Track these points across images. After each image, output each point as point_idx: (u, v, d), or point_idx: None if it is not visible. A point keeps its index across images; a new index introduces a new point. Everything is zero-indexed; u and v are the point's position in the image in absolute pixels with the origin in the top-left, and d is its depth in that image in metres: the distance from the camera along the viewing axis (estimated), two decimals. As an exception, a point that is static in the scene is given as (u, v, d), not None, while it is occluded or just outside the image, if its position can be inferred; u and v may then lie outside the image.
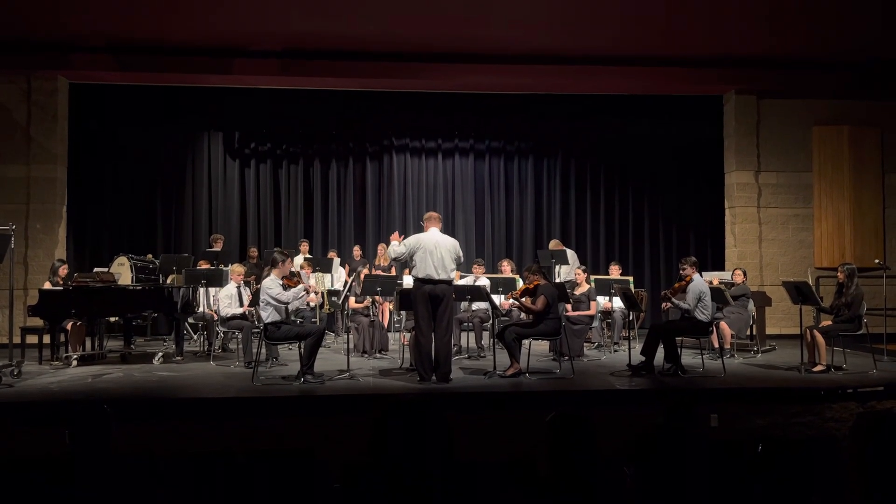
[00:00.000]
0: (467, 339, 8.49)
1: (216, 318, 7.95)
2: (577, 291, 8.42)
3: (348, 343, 7.14)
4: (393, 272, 9.92)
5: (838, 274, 7.18)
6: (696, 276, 7.00)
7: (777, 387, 6.30)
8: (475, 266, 8.89)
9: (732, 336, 7.98)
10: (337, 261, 9.75)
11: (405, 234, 11.47)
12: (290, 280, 6.70)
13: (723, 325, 7.79)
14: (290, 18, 8.50)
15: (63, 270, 8.07)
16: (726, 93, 10.78)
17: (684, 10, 8.36)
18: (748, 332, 8.50)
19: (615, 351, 8.50)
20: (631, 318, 8.42)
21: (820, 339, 6.93)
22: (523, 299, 6.92)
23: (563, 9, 8.31)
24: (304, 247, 10.29)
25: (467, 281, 8.51)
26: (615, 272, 9.24)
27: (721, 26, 8.80)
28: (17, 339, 7.63)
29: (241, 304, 7.82)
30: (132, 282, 8.50)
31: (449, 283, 6.41)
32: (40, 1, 8.00)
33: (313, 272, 9.08)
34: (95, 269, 8.84)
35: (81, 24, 8.71)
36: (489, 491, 2.19)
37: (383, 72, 9.86)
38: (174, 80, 10.13)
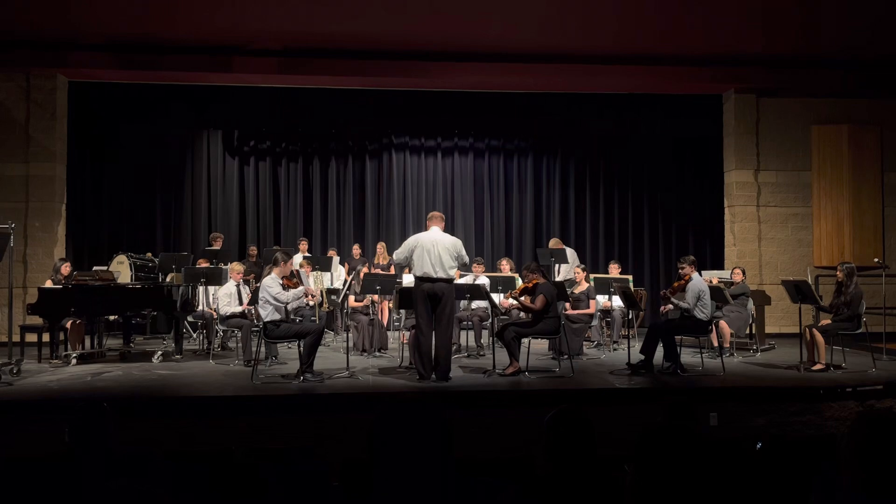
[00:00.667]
0: (467, 338, 8.50)
1: (215, 316, 7.95)
2: (577, 290, 8.42)
3: (348, 341, 7.14)
4: (392, 271, 9.93)
5: (837, 273, 7.19)
6: (694, 275, 6.99)
7: (776, 386, 6.30)
8: (474, 265, 8.88)
9: (732, 335, 7.99)
10: (336, 259, 9.75)
11: (404, 233, 11.57)
12: (290, 281, 6.69)
13: (722, 323, 7.80)
14: (289, 17, 8.50)
15: (65, 269, 8.06)
16: (726, 92, 10.77)
17: (683, 8, 8.36)
18: (747, 331, 8.50)
19: (614, 350, 8.50)
20: (630, 316, 8.42)
21: (819, 337, 6.93)
22: (522, 298, 6.92)
23: (563, 8, 8.31)
24: (304, 245, 10.29)
25: (467, 280, 8.51)
26: (614, 271, 9.24)
27: (720, 25, 8.80)
28: (16, 338, 7.63)
29: (241, 303, 7.82)
30: (131, 280, 8.50)
31: (448, 281, 6.40)
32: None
33: (313, 271, 9.08)
34: (95, 268, 8.84)
35: (81, 21, 8.70)
36: (488, 490, 2.19)
37: (383, 70, 9.86)
38: (173, 78, 10.12)
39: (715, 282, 8.10)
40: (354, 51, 9.58)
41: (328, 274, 9.41)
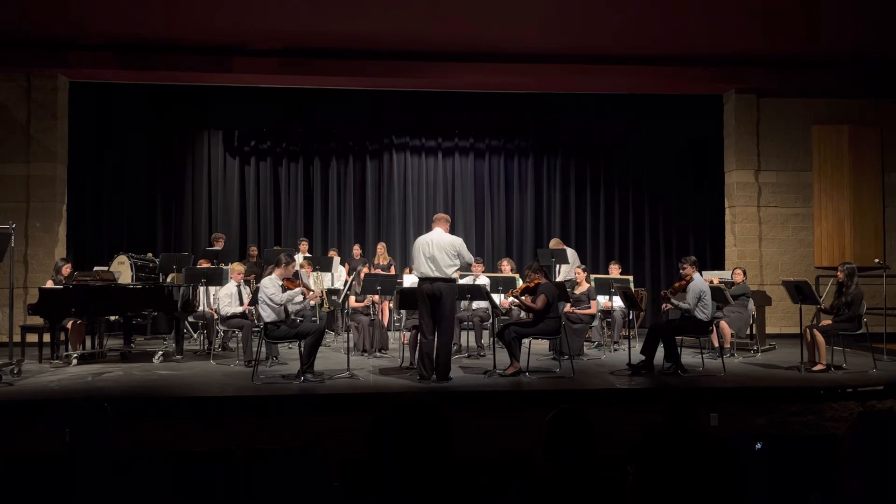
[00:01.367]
0: (467, 338, 8.50)
1: (216, 316, 7.96)
2: (577, 290, 8.42)
3: (348, 342, 7.14)
4: (392, 271, 9.94)
5: (838, 273, 7.18)
6: (695, 275, 6.99)
7: (777, 386, 6.30)
8: (475, 265, 8.88)
9: (732, 335, 7.98)
10: (337, 259, 9.75)
11: (405, 233, 11.59)
12: (292, 282, 6.69)
13: (723, 324, 7.79)
14: (289, 17, 8.49)
15: (66, 269, 8.06)
16: (726, 92, 10.77)
17: (684, 8, 8.35)
18: (748, 332, 8.50)
19: (615, 350, 8.50)
20: (631, 317, 8.42)
21: (820, 338, 6.93)
22: (524, 297, 6.92)
23: (563, 8, 8.30)
24: (304, 246, 10.29)
25: (467, 280, 8.51)
26: (615, 271, 9.24)
27: (721, 25, 8.79)
28: (17, 338, 7.62)
29: (241, 303, 7.82)
30: (132, 280, 8.50)
31: (448, 281, 6.39)
32: (40, -1, 8.00)
33: (313, 271, 9.08)
34: (95, 268, 8.84)
35: (82, 22, 8.71)
36: (488, 490, 2.19)
37: (383, 70, 9.85)
38: (174, 79, 10.12)
39: (716, 282, 8.09)
40: (354, 51, 9.58)
41: (329, 274, 9.41)
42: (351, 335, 7.74)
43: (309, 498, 3.16)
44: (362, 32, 8.98)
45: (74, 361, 7.37)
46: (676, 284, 7.14)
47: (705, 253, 11.34)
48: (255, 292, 7.73)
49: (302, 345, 6.50)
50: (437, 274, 6.31)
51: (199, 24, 8.78)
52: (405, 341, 7.65)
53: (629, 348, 7.31)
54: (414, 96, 10.96)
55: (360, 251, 10.61)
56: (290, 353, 7.96)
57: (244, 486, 3.22)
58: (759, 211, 10.60)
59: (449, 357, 6.44)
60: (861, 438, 1.80)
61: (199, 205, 11.22)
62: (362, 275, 8.24)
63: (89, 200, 10.75)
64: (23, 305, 8.41)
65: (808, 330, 7.08)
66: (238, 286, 7.89)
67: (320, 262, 9.28)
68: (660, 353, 6.92)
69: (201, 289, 8.25)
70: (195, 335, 9.01)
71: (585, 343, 8.45)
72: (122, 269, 8.57)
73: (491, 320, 7.90)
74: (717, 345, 7.64)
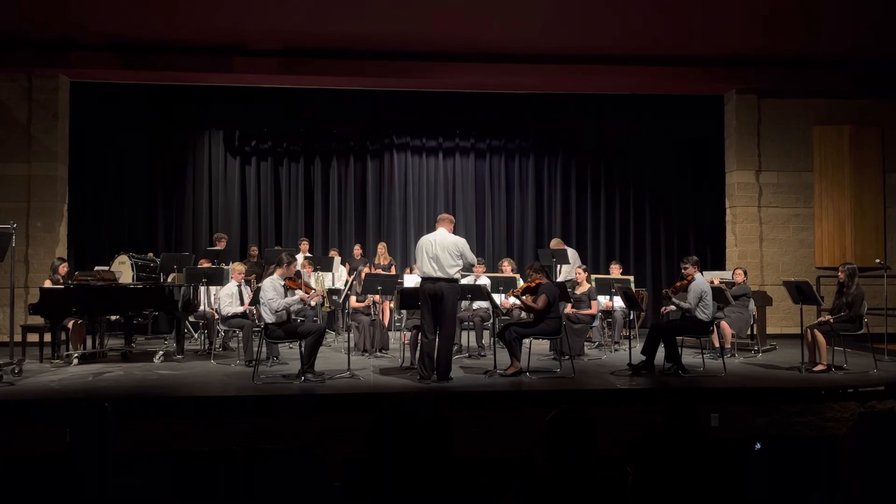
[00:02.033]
0: (468, 338, 8.50)
1: (217, 316, 7.96)
2: (578, 291, 8.41)
3: (349, 342, 7.15)
4: (393, 271, 9.94)
5: (839, 274, 7.18)
6: (697, 275, 6.99)
7: (778, 386, 6.30)
8: (476, 266, 8.88)
9: (733, 335, 7.98)
10: (337, 259, 9.76)
11: (405, 233, 11.59)
12: (294, 282, 6.68)
13: (723, 324, 7.79)
14: (289, 17, 8.49)
15: (63, 269, 8.06)
16: (727, 92, 10.77)
17: (685, 9, 8.35)
18: (749, 332, 8.50)
19: (616, 350, 8.49)
20: (631, 317, 8.41)
21: (821, 338, 6.92)
22: (524, 297, 6.92)
23: (564, 8, 8.30)
24: (305, 245, 10.29)
25: (468, 280, 8.51)
26: (616, 271, 9.24)
27: (721, 25, 8.78)
28: (17, 338, 7.63)
29: (242, 303, 7.82)
30: (133, 280, 8.50)
31: (449, 281, 6.38)
32: (41, -1, 8.00)
33: (314, 271, 9.08)
34: (96, 268, 8.84)
35: (83, 22, 8.71)
36: (488, 490, 2.19)
37: (384, 70, 9.85)
38: (174, 79, 10.12)
39: (716, 282, 8.09)
40: (355, 51, 9.58)
41: (329, 274, 9.42)
42: (351, 335, 7.74)
43: (309, 498, 3.16)
44: (362, 32, 8.98)
45: (75, 361, 7.38)
46: (678, 284, 7.14)
47: (706, 253, 11.35)
48: (255, 292, 7.73)
49: (302, 345, 6.50)
50: (439, 274, 6.31)
51: (199, 24, 8.79)
52: (406, 341, 7.65)
53: (630, 348, 7.30)
54: (414, 96, 10.96)
55: (360, 251, 10.61)
56: (290, 352, 7.96)
57: (245, 487, 3.22)
58: (759, 211, 10.60)
59: (449, 357, 6.44)
60: (862, 439, 1.80)
61: (200, 205, 11.23)
62: (363, 275, 8.24)
63: (90, 200, 10.75)
64: (23, 305, 8.41)
65: (808, 330, 7.08)
66: (239, 286, 7.90)
67: (321, 262, 9.28)
68: (660, 353, 6.92)
69: (202, 288, 8.25)
70: (196, 335, 9.02)
71: (586, 343, 8.44)
72: (123, 269, 8.57)
73: (491, 320, 7.90)
74: (717, 345, 7.64)
